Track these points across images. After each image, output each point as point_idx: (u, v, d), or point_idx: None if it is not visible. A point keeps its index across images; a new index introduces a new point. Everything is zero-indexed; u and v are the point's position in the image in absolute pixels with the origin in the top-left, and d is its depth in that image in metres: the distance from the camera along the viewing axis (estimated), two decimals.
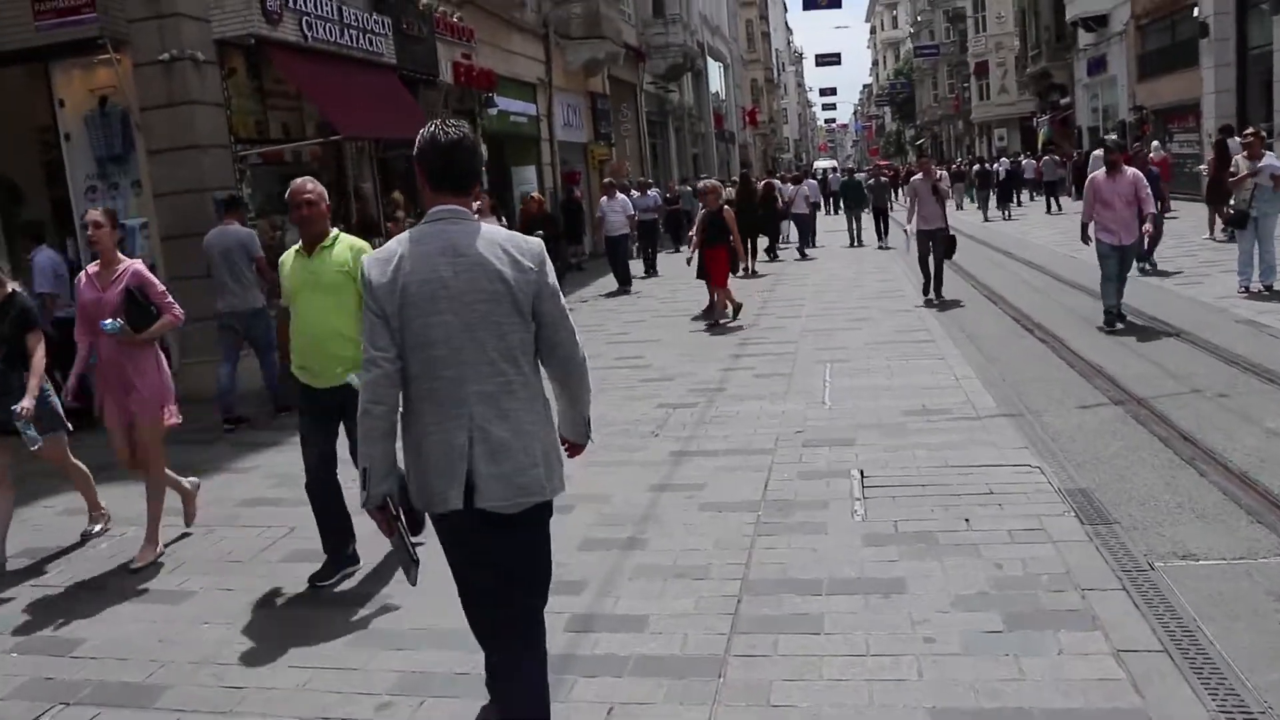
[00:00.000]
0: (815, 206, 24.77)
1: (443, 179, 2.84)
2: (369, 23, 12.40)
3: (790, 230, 22.46)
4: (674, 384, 9.04)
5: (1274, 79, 21.09)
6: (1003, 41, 55.65)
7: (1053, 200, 28.70)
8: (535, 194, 11.65)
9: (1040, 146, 40.21)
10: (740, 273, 14.49)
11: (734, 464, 6.29)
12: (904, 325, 11.03)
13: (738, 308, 12.61)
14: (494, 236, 2.82)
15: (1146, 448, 6.10)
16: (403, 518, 3.02)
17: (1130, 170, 9.86)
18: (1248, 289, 11.02)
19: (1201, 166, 20.03)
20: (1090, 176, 10.18)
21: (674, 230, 24.55)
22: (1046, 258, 16.76)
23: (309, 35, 10.91)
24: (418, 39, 13.88)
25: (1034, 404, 7.40)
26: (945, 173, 10.02)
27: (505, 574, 2.87)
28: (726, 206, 12.80)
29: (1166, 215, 21.20)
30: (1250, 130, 10.95)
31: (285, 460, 6.89)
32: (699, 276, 12.68)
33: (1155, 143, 25.69)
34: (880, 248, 20.77)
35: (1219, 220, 16.35)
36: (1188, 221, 19.58)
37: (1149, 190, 9.63)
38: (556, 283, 2.89)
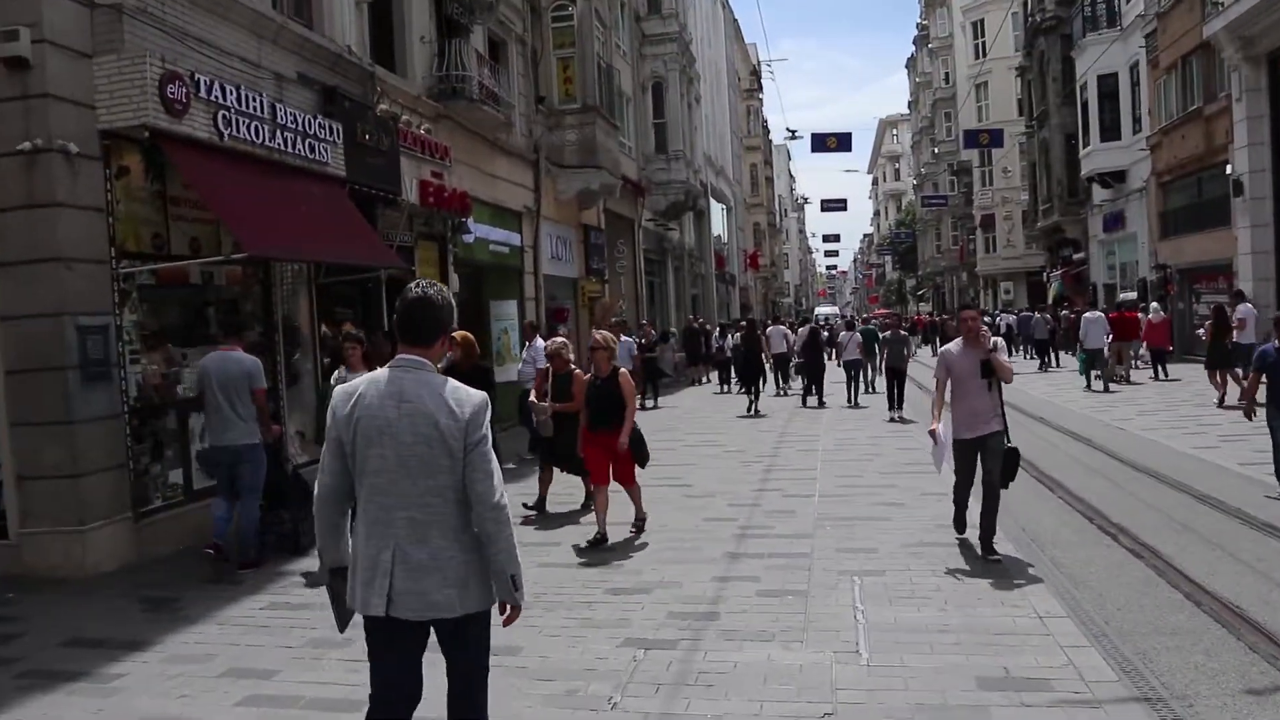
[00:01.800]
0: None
1: (404, 331, 3.37)
2: (312, 126, 10.54)
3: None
4: (649, 599, 6.72)
5: None
6: (1009, 195, 55.04)
7: (1043, 357, 29.34)
8: (557, 342, 8.95)
9: (1051, 301, 38.70)
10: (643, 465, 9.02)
11: None
12: (944, 516, 8.77)
13: (640, 521, 8.72)
14: (439, 387, 3.30)
15: None
16: (341, 594, 3.45)
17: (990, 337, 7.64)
18: None
19: (1200, 330, 18.57)
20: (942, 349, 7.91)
21: (652, 381, 21.88)
22: (1088, 426, 14.64)
23: (225, 133, 8.99)
24: (376, 150, 12.05)
25: (1171, 673, 5.10)
26: (998, 339, 7.80)
27: (453, 672, 3.45)
28: (623, 371, 8.68)
29: (1167, 379, 21.89)
30: None
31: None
32: (567, 468, 9.47)
33: (1154, 304, 24.72)
34: (893, 419, 16.63)
35: (1227, 385, 16.42)
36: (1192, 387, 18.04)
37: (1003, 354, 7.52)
38: (487, 433, 3.31)
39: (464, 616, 3.30)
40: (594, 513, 8.57)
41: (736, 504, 9.84)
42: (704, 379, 27.55)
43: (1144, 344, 23.88)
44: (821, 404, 20.04)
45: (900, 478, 10.87)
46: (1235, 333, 17.09)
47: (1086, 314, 22.74)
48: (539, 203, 19.31)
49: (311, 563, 7.67)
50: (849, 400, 19.90)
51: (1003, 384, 7.60)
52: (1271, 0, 20.31)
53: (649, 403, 19.86)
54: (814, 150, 34.15)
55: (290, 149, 10.12)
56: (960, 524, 8.01)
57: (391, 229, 12.82)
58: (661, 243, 32.99)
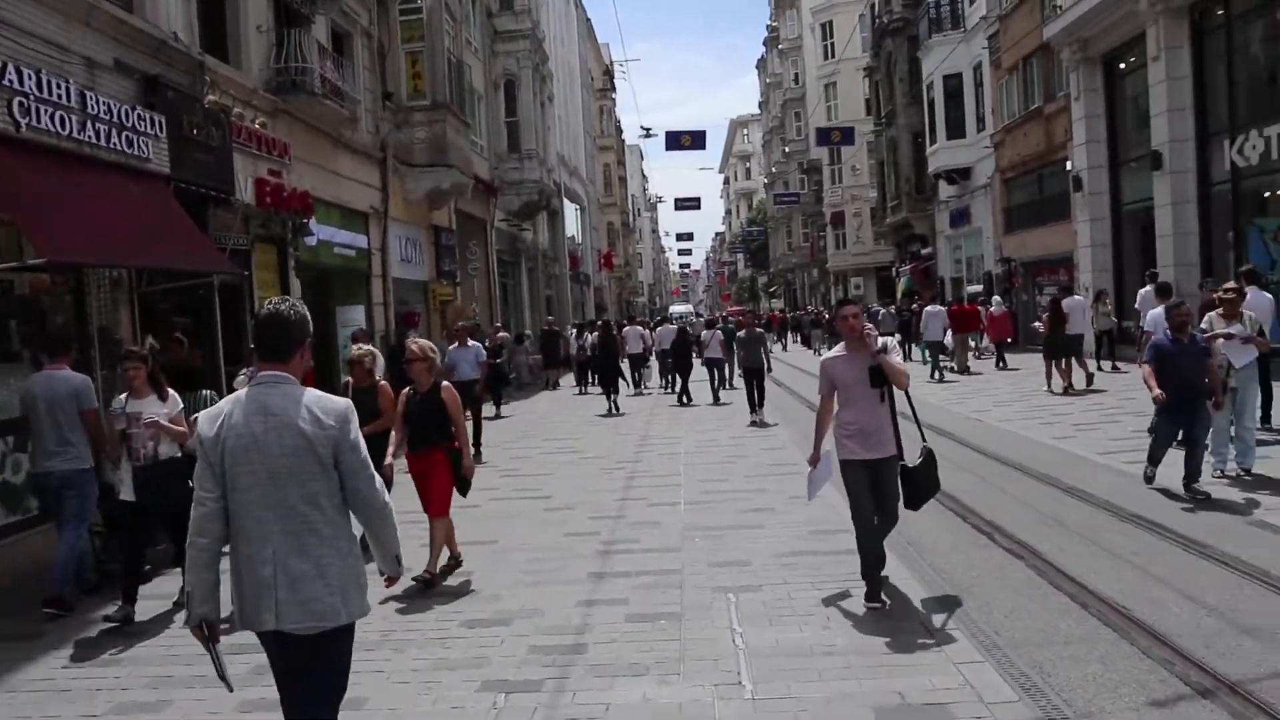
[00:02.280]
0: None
1: (262, 349, 3.41)
2: (130, 118, 9.50)
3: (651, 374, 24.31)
4: (508, 632, 6.07)
5: (1157, 234, 20.15)
6: (858, 193, 56.32)
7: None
8: (362, 349, 7.85)
9: (900, 296, 39.60)
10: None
11: None
12: (818, 520, 8.43)
13: (454, 563, 7.44)
14: (302, 398, 3.33)
15: None
16: (216, 641, 3.41)
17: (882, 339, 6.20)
18: (1224, 473, 8.99)
19: (1036, 323, 19.13)
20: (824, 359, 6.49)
21: (495, 389, 19.70)
22: (946, 418, 14.68)
23: (22, 123, 7.93)
24: (206, 146, 11.02)
25: (1071, 688, 4.80)
26: (888, 339, 6.09)
27: (307, 687, 3.37)
28: (447, 384, 7.50)
29: (1006, 369, 22.57)
30: (1231, 286, 9.04)
31: None
32: None
33: (996, 297, 26.17)
34: (754, 422, 15.74)
35: (1058, 374, 17.41)
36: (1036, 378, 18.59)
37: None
38: (358, 438, 3.37)
39: (346, 627, 3.36)
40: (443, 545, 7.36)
41: (599, 516, 9.27)
42: (558, 383, 26.74)
43: (985, 335, 24.84)
44: (687, 402, 19.89)
45: (768, 480, 10.53)
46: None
47: (927, 307, 23.99)
48: (387, 203, 18.38)
49: (160, 592, 6.76)
50: (714, 398, 19.79)
51: (895, 392, 6.22)
52: (1106, 5, 21.04)
53: (495, 412, 18.90)
54: (668, 148, 33.94)
55: (104, 142, 9.08)
56: (874, 590, 6.08)
57: (225, 231, 11.79)
58: (515, 243, 32.26)
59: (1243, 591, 6.16)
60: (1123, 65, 22.71)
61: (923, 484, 6.43)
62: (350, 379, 8.29)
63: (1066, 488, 9.35)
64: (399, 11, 19.54)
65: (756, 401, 16.03)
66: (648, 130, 50.58)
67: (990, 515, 8.45)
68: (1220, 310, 8.96)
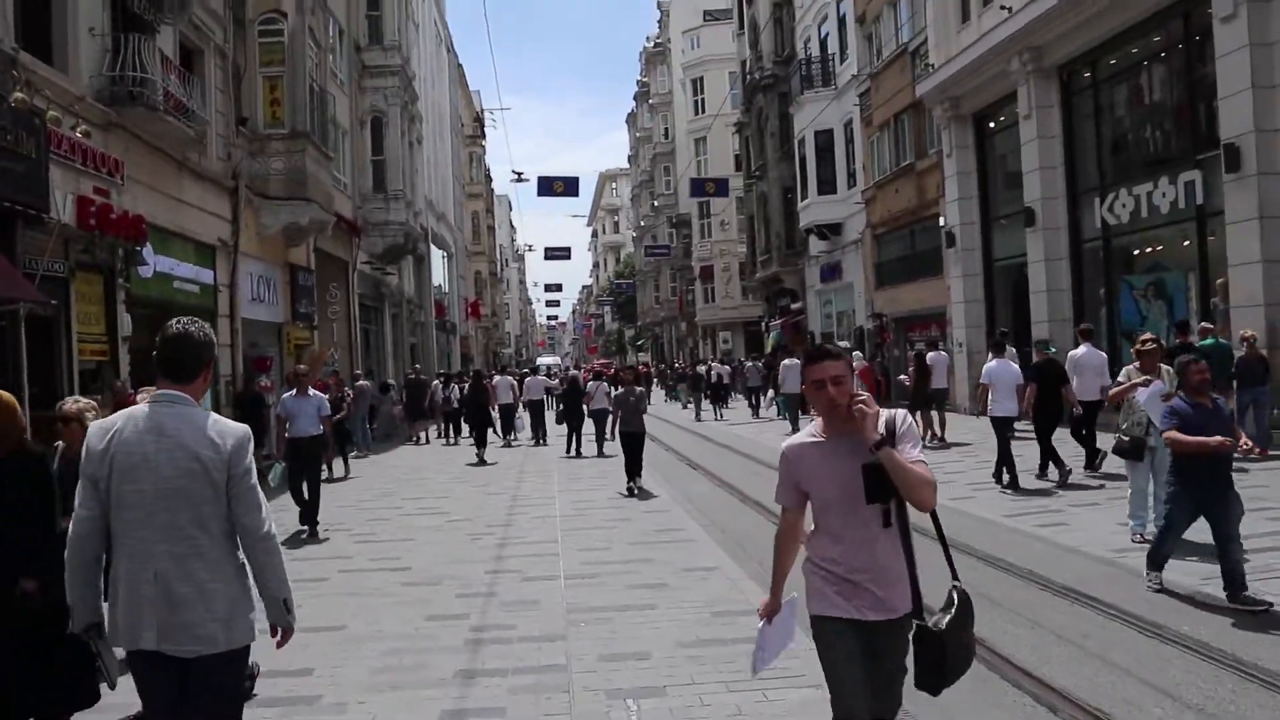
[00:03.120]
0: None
1: (164, 368, 3.33)
2: None
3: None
4: None
5: (1030, 290, 20.26)
6: (727, 248, 56.62)
7: (754, 402, 31.24)
8: (80, 402, 5.79)
9: (769, 350, 39.52)
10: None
11: None
12: (720, 599, 7.45)
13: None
14: (200, 421, 3.27)
15: None
16: (101, 650, 3.48)
17: None
18: (1143, 536, 8.45)
19: (903, 376, 19.47)
20: None
21: (342, 448, 17.37)
22: None
23: None
24: (13, 153, 9.55)
25: None
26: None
27: (190, 710, 3.27)
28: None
29: None
30: (1149, 336, 8.56)
31: None
32: None
33: (857, 352, 25.84)
34: (631, 492, 13.33)
35: (927, 427, 17.64)
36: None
37: None
38: (251, 465, 3.30)
39: (226, 653, 3.25)
40: None
41: (467, 593, 7.99)
42: (424, 436, 24.65)
43: None
44: (576, 454, 19.02)
45: (655, 549, 9.48)
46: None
47: (785, 361, 24.03)
48: (238, 236, 16.89)
49: None
50: (598, 450, 19.09)
51: (907, 512, 3.58)
52: (977, 65, 21.28)
53: (344, 472, 17.17)
54: (540, 194, 32.99)
55: None
56: None
57: (36, 254, 10.25)
58: (379, 288, 30.75)
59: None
60: (993, 124, 23.03)
61: (950, 653, 3.48)
62: (61, 443, 5.69)
63: (984, 556, 8.58)
64: (258, 32, 18.20)
65: (635, 470, 13.51)
66: (519, 174, 49.41)
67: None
68: (1137, 364, 8.48)
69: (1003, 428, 11.99)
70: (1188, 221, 16.60)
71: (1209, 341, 13.13)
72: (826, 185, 33.74)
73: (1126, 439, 8.40)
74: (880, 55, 29.16)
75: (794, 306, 39.64)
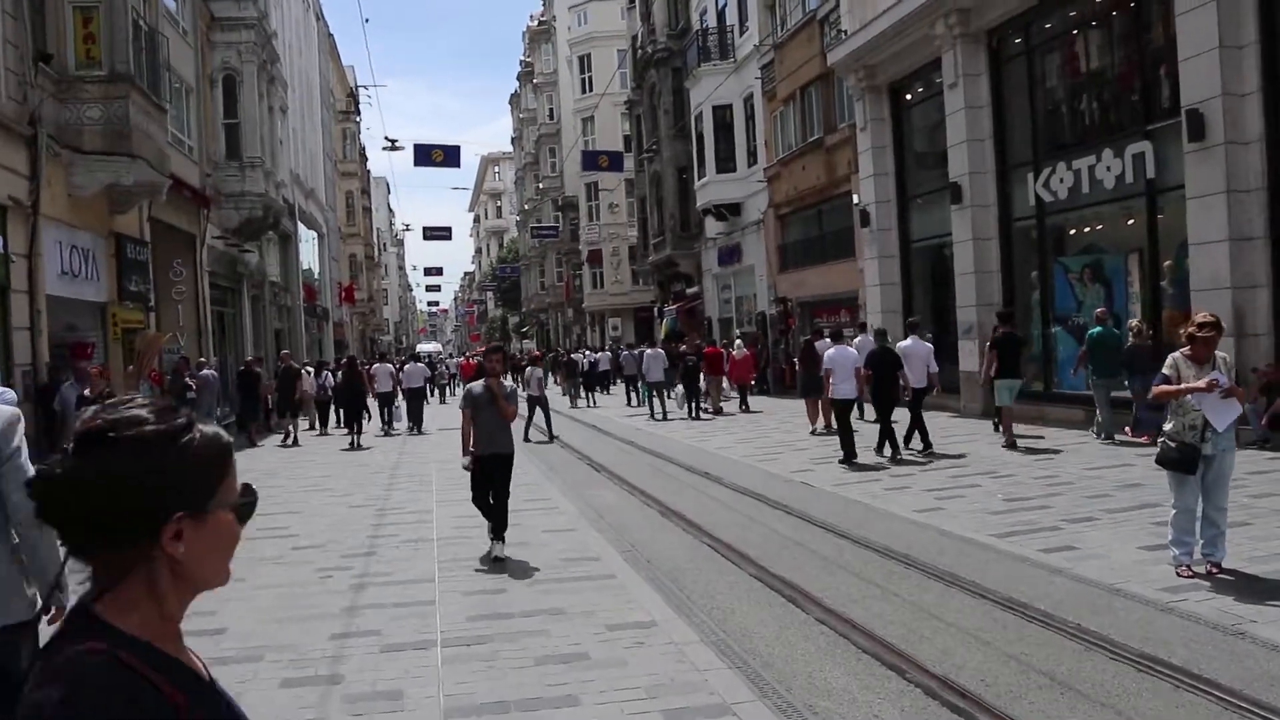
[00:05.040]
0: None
1: None
2: None
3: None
4: None
5: (956, 271, 18.61)
6: (617, 231, 54.49)
7: (632, 392, 29.03)
8: None
9: (663, 337, 37.49)
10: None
11: None
12: (668, 682, 5.22)
13: None
14: None
15: None
16: None
17: None
18: (1190, 568, 6.59)
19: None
20: None
21: None
22: (753, 476, 12.03)
23: None
24: None
25: None
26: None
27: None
28: None
29: (749, 411, 22.81)
30: (1206, 318, 6.57)
31: None
32: None
33: (739, 340, 26.33)
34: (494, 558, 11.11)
35: (820, 414, 17.31)
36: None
37: None
38: (21, 444, 3.31)
39: (10, 626, 3.28)
40: None
41: (297, 677, 5.72)
42: (293, 434, 21.04)
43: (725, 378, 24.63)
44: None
45: (565, 592, 7.19)
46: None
47: (647, 350, 24.86)
48: (37, 195, 13.86)
49: None
50: (525, 436, 18.69)
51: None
52: (897, 29, 19.54)
53: None
54: (417, 164, 30.37)
55: None
56: None
57: None
58: (236, 267, 27.51)
59: None
60: (910, 95, 21.36)
61: None
62: None
63: (945, 574, 6.69)
64: None
65: (500, 522, 8.46)
66: (393, 142, 44.93)
67: (898, 638, 5.59)
68: (1188, 349, 6.55)
69: (844, 409, 13.59)
70: (1135, 198, 15.09)
71: (1098, 330, 13.70)
72: (725, 163, 31.86)
73: (1174, 445, 6.49)
74: (785, 25, 27.32)
75: (690, 291, 37.71)
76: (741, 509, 10.48)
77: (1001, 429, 14.19)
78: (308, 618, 6.64)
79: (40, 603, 3.38)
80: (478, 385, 8.63)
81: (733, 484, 12.08)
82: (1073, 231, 17.10)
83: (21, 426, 3.36)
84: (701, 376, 23.07)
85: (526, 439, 18.67)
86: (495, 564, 8.04)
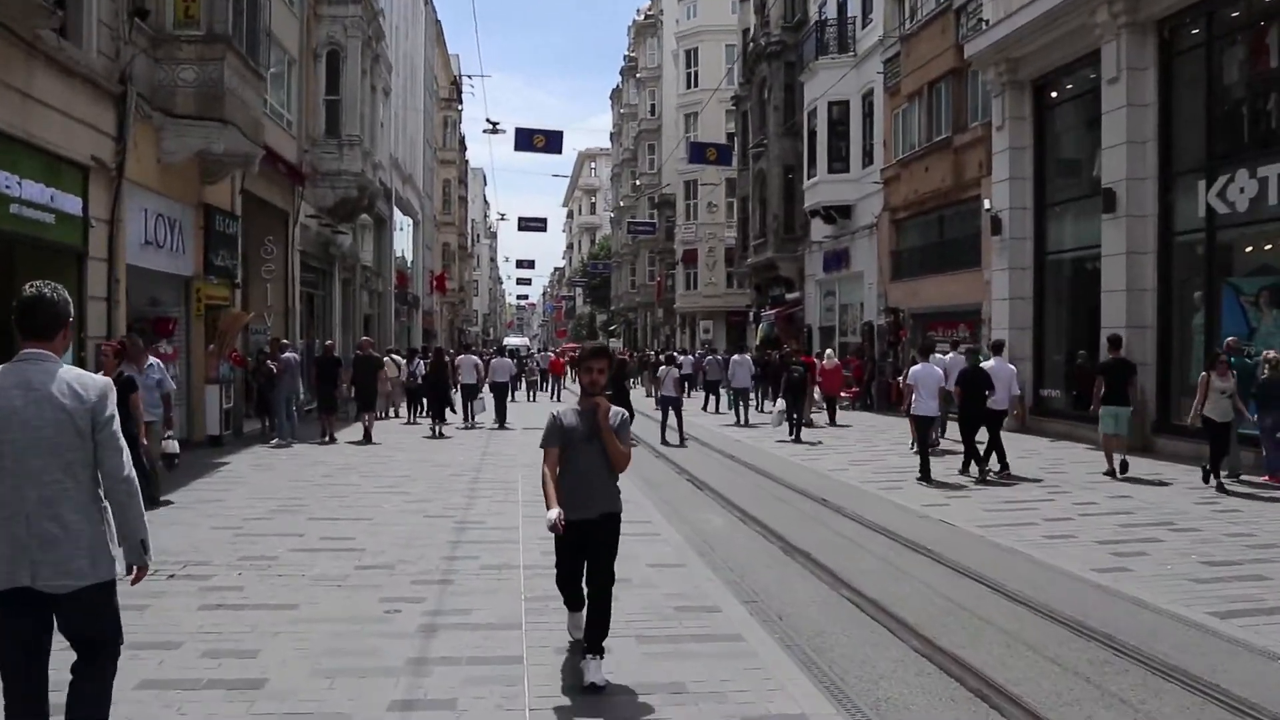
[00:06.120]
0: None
1: (25, 328, 3.58)
2: None
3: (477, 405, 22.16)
4: None
5: (1103, 288, 16.79)
6: (714, 231, 53.05)
7: (711, 397, 28.25)
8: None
9: (760, 343, 35.94)
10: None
11: None
12: None
13: None
14: (64, 375, 3.55)
15: None
16: None
17: None
18: None
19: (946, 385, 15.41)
20: None
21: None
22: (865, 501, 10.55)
23: None
24: None
25: None
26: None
27: (81, 650, 3.64)
28: None
29: (835, 424, 21.71)
30: None
31: None
32: None
33: (829, 350, 25.17)
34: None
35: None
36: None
37: None
38: (114, 413, 3.60)
39: (95, 585, 3.53)
40: None
41: None
42: (370, 431, 18.27)
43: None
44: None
45: (682, 655, 5.82)
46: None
47: (734, 356, 25.22)
48: (123, 157, 13.00)
49: None
50: (662, 439, 18.57)
51: None
52: (1046, 20, 17.80)
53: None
54: (518, 148, 29.30)
55: None
56: None
57: None
58: (328, 248, 26.79)
59: None
60: (1056, 92, 19.54)
61: None
62: None
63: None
64: None
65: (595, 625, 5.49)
66: (495, 125, 43.81)
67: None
68: None
69: (924, 426, 13.60)
70: None
71: (1232, 360, 12.80)
72: (838, 163, 30.18)
73: None
74: (914, 16, 25.60)
75: (789, 296, 36.05)
76: (877, 550, 8.98)
77: (1105, 458, 13.46)
78: (366, 671, 5.33)
79: (122, 563, 3.68)
80: (568, 413, 5.43)
81: (858, 516, 10.58)
82: (1249, 249, 15.16)
83: (113, 396, 3.62)
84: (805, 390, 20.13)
85: (664, 441, 18.50)
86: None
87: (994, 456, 13.18)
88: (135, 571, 3.71)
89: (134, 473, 3.62)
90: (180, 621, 6.23)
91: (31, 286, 3.62)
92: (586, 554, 5.43)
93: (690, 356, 34.38)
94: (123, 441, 3.60)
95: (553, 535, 5.34)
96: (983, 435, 13.40)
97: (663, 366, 20.34)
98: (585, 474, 5.34)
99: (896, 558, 8.65)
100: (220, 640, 5.87)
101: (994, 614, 6.80)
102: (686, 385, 28.07)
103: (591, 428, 5.31)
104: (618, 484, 5.51)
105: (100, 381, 3.61)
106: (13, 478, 3.45)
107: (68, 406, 3.48)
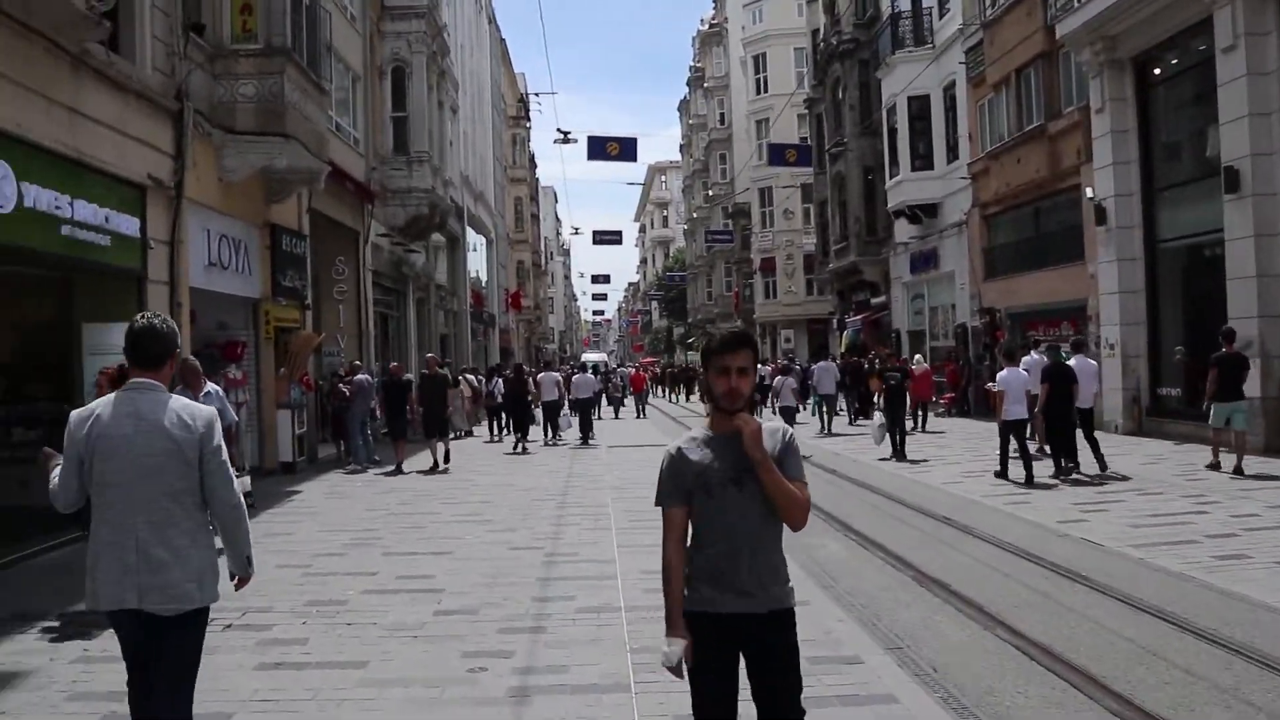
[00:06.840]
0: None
1: (135, 358, 3.67)
2: None
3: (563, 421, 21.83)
4: None
5: (1228, 275, 15.40)
6: (791, 238, 51.89)
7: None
8: None
9: (845, 350, 34.70)
10: None
11: None
12: None
13: None
14: (172, 405, 3.66)
15: None
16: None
17: None
18: None
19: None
20: None
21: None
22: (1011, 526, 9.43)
23: None
24: None
25: None
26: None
27: (164, 666, 3.62)
28: None
29: (926, 431, 21.13)
30: None
31: None
32: None
33: (918, 355, 24.72)
34: None
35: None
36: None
37: None
38: (220, 442, 3.70)
39: (196, 611, 3.63)
40: None
41: None
42: (441, 459, 16.83)
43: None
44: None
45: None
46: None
47: (819, 363, 25.13)
48: (182, 176, 12.50)
49: None
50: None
51: None
52: None
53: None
54: (591, 157, 28.65)
55: None
56: None
57: None
58: (400, 268, 26.40)
59: None
60: (1160, 69, 18.16)
61: None
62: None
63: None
64: None
65: None
66: (566, 135, 42.94)
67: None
68: None
69: (1018, 430, 13.30)
70: None
71: None
72: (921, 160, 28.94)
73: None
74: (995, 2, 24.32)
75: (875, 301, 34.78)
76: (1024, 578, 7.83)
77: (1211, 452, 13.28)
78: None
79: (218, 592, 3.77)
80: (694, 445, 3.36)
81: (991, 537, 9.46)
82: None
83: (219, 426, 3.73)
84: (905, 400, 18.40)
85: None
86: None
87: (1090, 455, 13.27)
88: (237, 580, 3.91)
89: (242, 499, 3.77)
90: (234, 685, 5.44)
91: (142, 317, 3.72)
92: (751, 674, 3.42)
93: (765, 367, 33.20)
94: (230, 469, 3.71)
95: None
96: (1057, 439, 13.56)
97: (779, 376, 19.55)
98: (736, 537, 3.29)
99: (1050, 588, 7.50)
100: (277, 712, 5.08)
101: (1194, 663, 5.61)
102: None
103: (739, 462, 3.25)
104: (783, 555, 3.47)
105: (206, 412, 3.72)
106: (123, 504, 3.55)
107: (177, 436, 3.58)
